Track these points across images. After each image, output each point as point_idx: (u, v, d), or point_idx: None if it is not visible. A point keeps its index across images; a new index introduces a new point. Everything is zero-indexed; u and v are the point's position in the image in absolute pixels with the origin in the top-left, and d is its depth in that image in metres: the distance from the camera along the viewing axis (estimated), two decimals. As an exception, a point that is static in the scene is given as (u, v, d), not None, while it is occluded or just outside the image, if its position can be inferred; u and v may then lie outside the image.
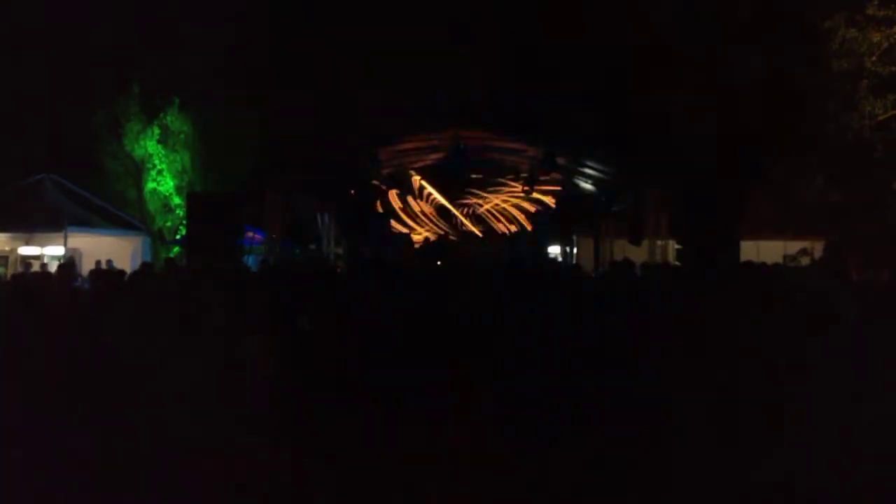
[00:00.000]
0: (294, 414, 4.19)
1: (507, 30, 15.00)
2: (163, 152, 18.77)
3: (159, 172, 18.84)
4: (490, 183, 24.74)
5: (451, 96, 15.27)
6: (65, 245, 14.12)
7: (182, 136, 18.78)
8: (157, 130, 18.67)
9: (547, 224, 22.53)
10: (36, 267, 13.59)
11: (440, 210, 25.54)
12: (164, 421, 3.83)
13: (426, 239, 24.43)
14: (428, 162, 22.61)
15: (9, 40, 17.62)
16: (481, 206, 25.62)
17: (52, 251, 14.77)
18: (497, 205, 25.54)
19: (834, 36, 11.40)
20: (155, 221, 18.72)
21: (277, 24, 15.51)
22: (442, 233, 24.59)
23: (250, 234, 15.05)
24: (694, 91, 12.18)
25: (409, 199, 24.95)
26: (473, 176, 24.21)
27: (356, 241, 18.78)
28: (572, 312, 5.69)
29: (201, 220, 12.49)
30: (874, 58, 11.34)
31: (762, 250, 13.18)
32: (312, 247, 17.65)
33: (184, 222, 16.56)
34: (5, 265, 15.43)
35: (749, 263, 7.81)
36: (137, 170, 18.90)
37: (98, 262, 13.22)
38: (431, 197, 25.18)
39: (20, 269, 13.79)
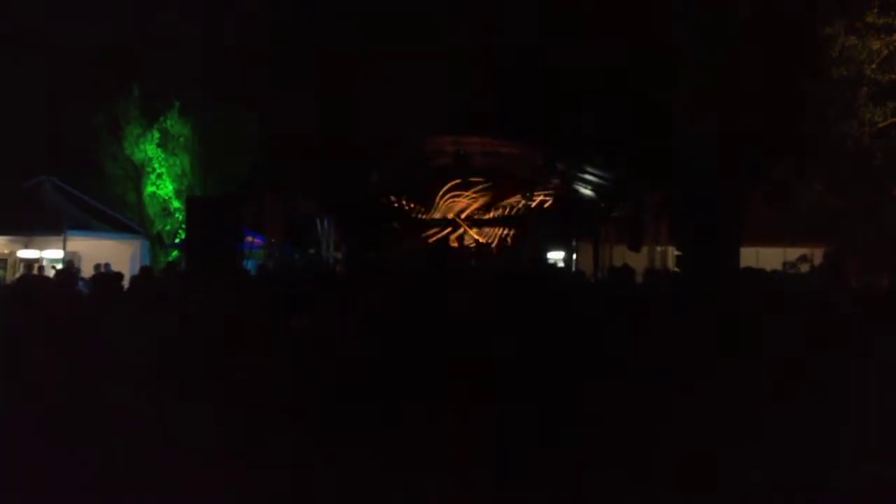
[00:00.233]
0: (292, 415, 4.18)
1: (508, 34, 15.02)
2: (162, 156, 18.82)
3: (159, 176, 18.88)
4: (490, 188, 24.75)
5: (453, 101, 15.28)
6: (64, 248, 14.12)
7: (182, 139, 18.83)
8: (156, 134, 18.72)
9: (548, 230, 22.54)
10: (34, 270, 13.59)
11: (440, 216, 25.53)
12: (163, 423, 3.82)
13: (426, 244, 24.42)
14: (428, 167, 22.62)
15: (9, 43, 17.65)
16: (482, 210, 25.62)
17: (51, 254, 14.77)
18: (497, 209, 25.54)
19: (834, 43, 11.42)
20: (154, 225, 18.74)
21: (278, 27, 15.52)
22: (442, 238, 24.59)
23: (250, 238, 15.04)
24: (694, 91, 12.19)
25: (410, 204, 24.95)
26: (473, 180, 24.23)
27: (356, 245, 18.78)
28: (573, 320, 5.69)
29: (200, 224, 12.45)
30: (874, 65, 11.36)
31: (761, 257, 13.18)
32: (312, 251, 17.64)
33: (183, 226, 16.57)
34: (4, 268, 15.44)
35: (750, 270, 7.79)
36: (137, 173, 18.94)
37: (98, 266, 13.21)
38: (431, 202, 25.18)
39: (23, 271, 13.81)
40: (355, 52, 14.61)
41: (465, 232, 25.49)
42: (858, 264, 10.99)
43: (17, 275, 14.43)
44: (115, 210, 16.94)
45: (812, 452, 3.68)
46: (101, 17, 17.68)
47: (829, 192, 11.82)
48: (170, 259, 17.15)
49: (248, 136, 17.10)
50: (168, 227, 19.00)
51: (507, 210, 25.49)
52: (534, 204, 24.03)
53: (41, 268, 13.83)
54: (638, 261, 14.76)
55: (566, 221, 20.83)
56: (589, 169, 19.08)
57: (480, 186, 24.69)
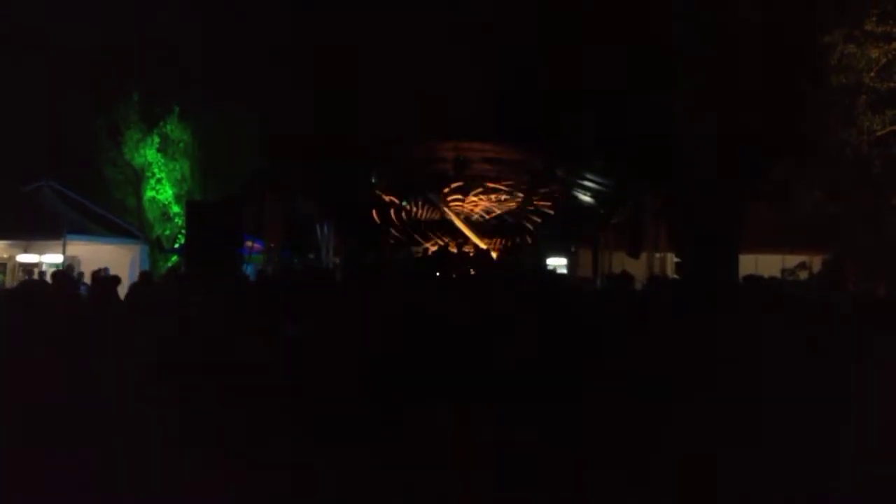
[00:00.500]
0: (292, 415, 4.17)
1: (508, 39, 15.07)
2: (162, 161, 18.83)
3: (158, 181, 18.89)
4: (489, 194, 24.72)
5: (453, 107, 15.32)
6: (63, 253, 14.09)
7: (182, 144, 18.85)
8: (156, 139, 18.73)
9: (547, 236, 22.52)
10: (34, 275, 13.58)
11: (440, 221, 25.47)
12: (163, 423, 3.82)
13: (426, 250, 24.37)
14: (428, 173, 22.59)
15: (9, 46, 17.68)
16: (481, 215, 25.59)
17: (50, 259, 14.74)
18: (496, 216, 25.50)
19: (833, 51, 11.45)
20: (154, 230, 18.72)
21: (278, 31, 15.58)
22: (442, 244, 24.53)
23: (249, 243, 15.04)
24: (694, 92, 12.21)
25: (410, 209, 24.90)
26: (472, 186, 24.20)
27: (355, 248, 18.76)
28: (574, 324, 5.69)
29: (200, 229, 12.46)
30: (872, 74, 11.39)
31: (760, 264, 13.19)
32: (311, 256, 17.64)
33: (182, 231, 16.56)
34: (4, 272, 15.41)
35: (752, 277, 7.78)
36: (137, 178, 18.95)
37: (98, 271, 13.19)
38: (431, 208, 25.13)
39: (24, 276, 13.79)
40: (356, 55, 14.66)
41: (464, 238, 25.45)
42: (857, 272, 11.00)
43: (17, 279, 14.44)
44: (115, 215, 16.91)
45: (812, 453, 3.69)
46: (100, 21, 17.73)
47: (828, 199, 11.83)
48: (170, 264, 17.16)
49: (248, 136, 17.12)
50: (168, 232, 19.00)
51: (507, 216, 25.46)
52: (533, 210, 24.01)
53: (42, 273, 13.81)
54: (637, 267, 14.77)
55: (566, 228, 20.81)
56: (588, 175, 19.10)
57: (479, 192, 24.66)
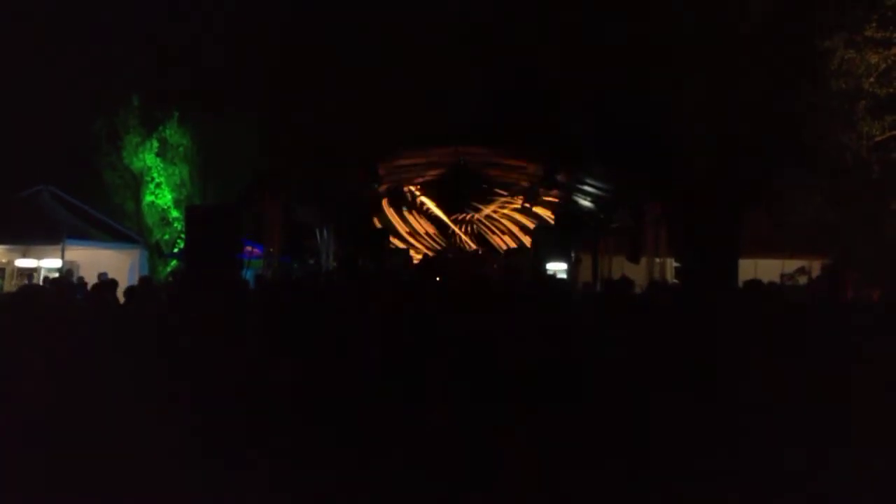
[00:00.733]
0: (292, 415, 4.17)
1: (508, 44, 15.11)
2: (161, 165, 18.85)
3: (158, 185, 18.90)
4: (489, 197, 24.77)
5: (453, 112, 15.35)
6: (62, 258, 14.08)
7: (181, 149, 18.86)
8: (155, 143, 18.76)
9: (548, 241, 22.51)
10: (34, 279, 13.57)
11: (439, 227, 25.54)
12: (163, 424, 3.81)
13: (424, 256, 24.41)
14: (428, 178, 22.63)
15: (9, 51, 17.70)
16: (480, 221, 25.64)
17: (49, 264, 14.71)
18: (495, 220, 25.56)
19: (832, 56, 11.48)
20: (153, 234, 18.73)
21: (279, 37, 15.61)
22: (440, 249, 24.59)
23: (249, 248, 15.02)
24: (694, 96, 12.25)
25: (408, 214, 24.95)
26: (473, 192, 24.24)
27: (353, 253, 18.74)
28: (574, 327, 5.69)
29: (199, 234, 12.44)
30: (872, 79, 11.42)
31: (759, 268, 13.15)
32: (311, 261, 17.63)
33: (182, 236, 16.55)
34: (2, 277, 15.38)
35: (753, 282, 7.77)
36: (136, 182, 18.97)
37: (100, 276, 13.18)
38: (430, 213, 25.20)
39: (24, 281, 13.76)
40: (356, 59, 14.70)
41: (463, 243, 25.51)
42: (857, 276, 11.00)
43: (15, 284, 14.40)
44: (114, 219, 16.90)
45: (811, 455, 3.69)
46: (100, 26, 17.76)
47: (828, 204, 11.85)
48: (169, 269, 17.15)
49: (248, 141, 17.13)
50: (167, 237, 19.00)
51: (507, 221, 25.53)
52: (533, 215, 24.05)
53: (45, 278, 13.79)
54: (637, 272, 14.74)
55: (566, 233, 20.81)
56: (588, 180, 19.09)
57: (480, 197, 24.71)
